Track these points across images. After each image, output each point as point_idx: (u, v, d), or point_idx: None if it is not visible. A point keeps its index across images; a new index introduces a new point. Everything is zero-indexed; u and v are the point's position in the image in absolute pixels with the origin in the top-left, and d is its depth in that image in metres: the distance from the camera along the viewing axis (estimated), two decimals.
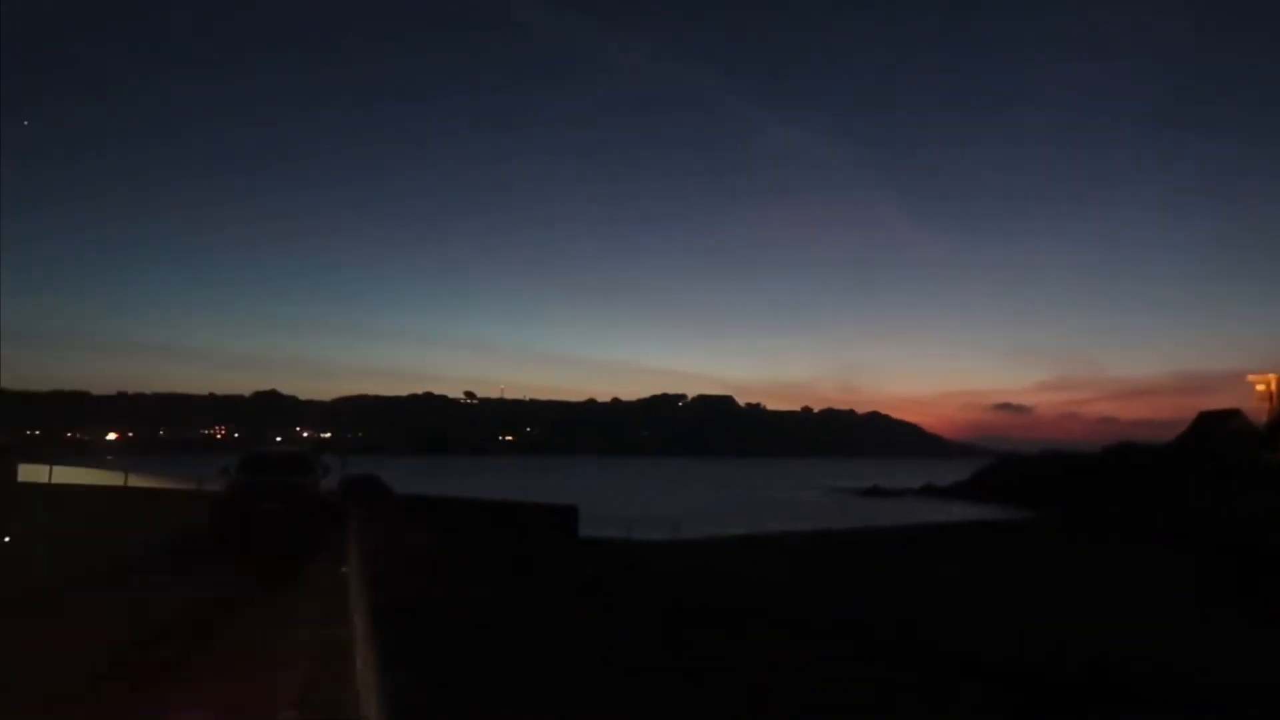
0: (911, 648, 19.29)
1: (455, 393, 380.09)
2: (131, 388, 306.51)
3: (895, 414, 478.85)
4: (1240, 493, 58.03)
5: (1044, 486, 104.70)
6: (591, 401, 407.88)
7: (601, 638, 16.05)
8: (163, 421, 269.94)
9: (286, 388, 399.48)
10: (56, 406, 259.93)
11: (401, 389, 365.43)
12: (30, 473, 35.89)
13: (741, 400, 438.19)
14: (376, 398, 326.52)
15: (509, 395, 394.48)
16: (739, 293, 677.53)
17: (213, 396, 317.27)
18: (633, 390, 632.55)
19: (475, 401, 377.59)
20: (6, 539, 17.13)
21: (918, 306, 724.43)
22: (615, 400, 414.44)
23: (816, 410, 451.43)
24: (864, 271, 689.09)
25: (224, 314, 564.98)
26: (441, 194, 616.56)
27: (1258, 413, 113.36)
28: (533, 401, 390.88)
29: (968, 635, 20.27)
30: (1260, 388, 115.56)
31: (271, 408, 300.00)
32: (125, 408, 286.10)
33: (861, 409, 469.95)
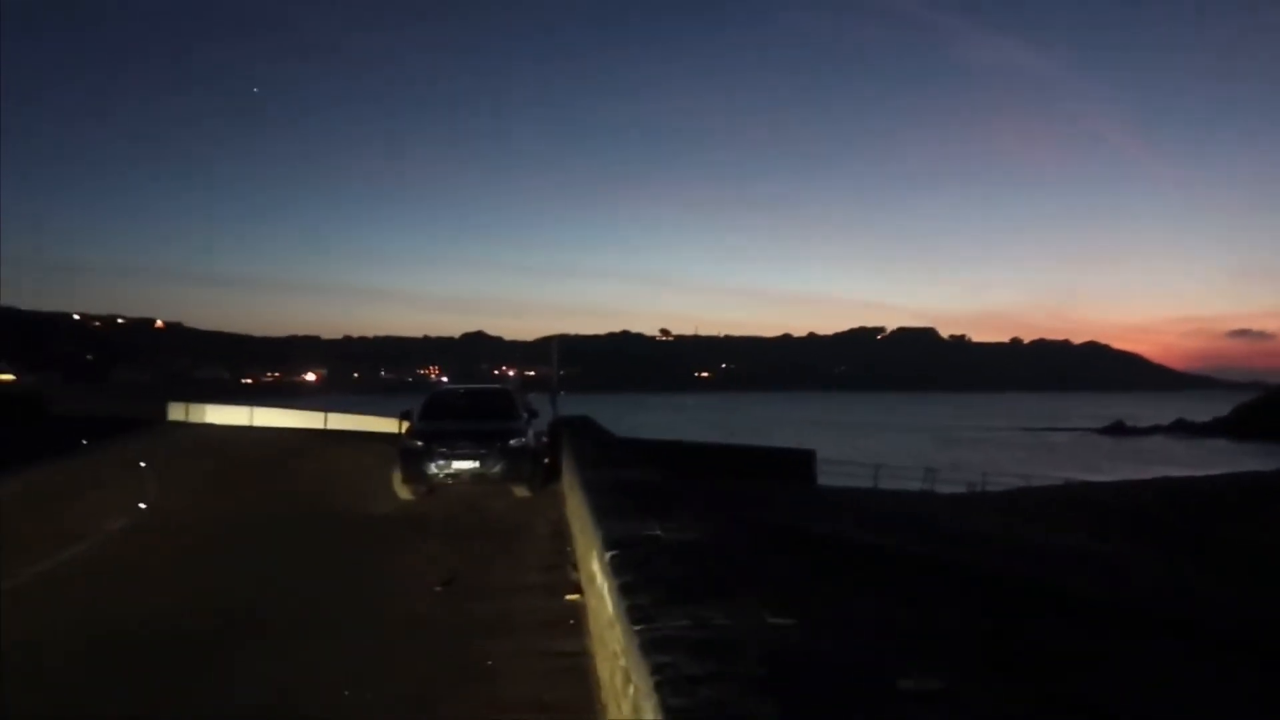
0: None
1: (651, 330, 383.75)
2: (355, 331, 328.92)
3: (1115, 344, 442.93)
4: None
5: None
6: (786, 336, 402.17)
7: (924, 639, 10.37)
8: (383, 362, 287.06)
9: (492, 328, 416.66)
10: (294, 349, 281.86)
11: (600, 328, 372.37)
12: (221, 414, 34.28)
13: (944, 332, 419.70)
14: (576, 336, 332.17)
15: (704, 332, 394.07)
16: (942, 218, 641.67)
17: (426, 338, 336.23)
18: (829, 324, 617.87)
19: (671, 338, 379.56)
20: (142, 505, 13.45)
21: (1140, 226, 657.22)
22: (811, 334, 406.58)
23: (1027, 341, 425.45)
24: (1079, 189, 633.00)
25: (436, 260, 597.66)
26: (635, 135, 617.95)
27: None
28: (727, 338, 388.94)
29: None
30: None
31: (478, 347, 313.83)
32: (350, 350, 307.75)
33: (1077, 339, 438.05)
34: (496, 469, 13.37)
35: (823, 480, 34.03)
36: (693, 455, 28.64)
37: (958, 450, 79.89)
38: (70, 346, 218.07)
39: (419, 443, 13.48)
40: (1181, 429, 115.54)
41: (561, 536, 10.08)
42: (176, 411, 35.62)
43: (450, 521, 11.63)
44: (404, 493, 13.55)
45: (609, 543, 4.91)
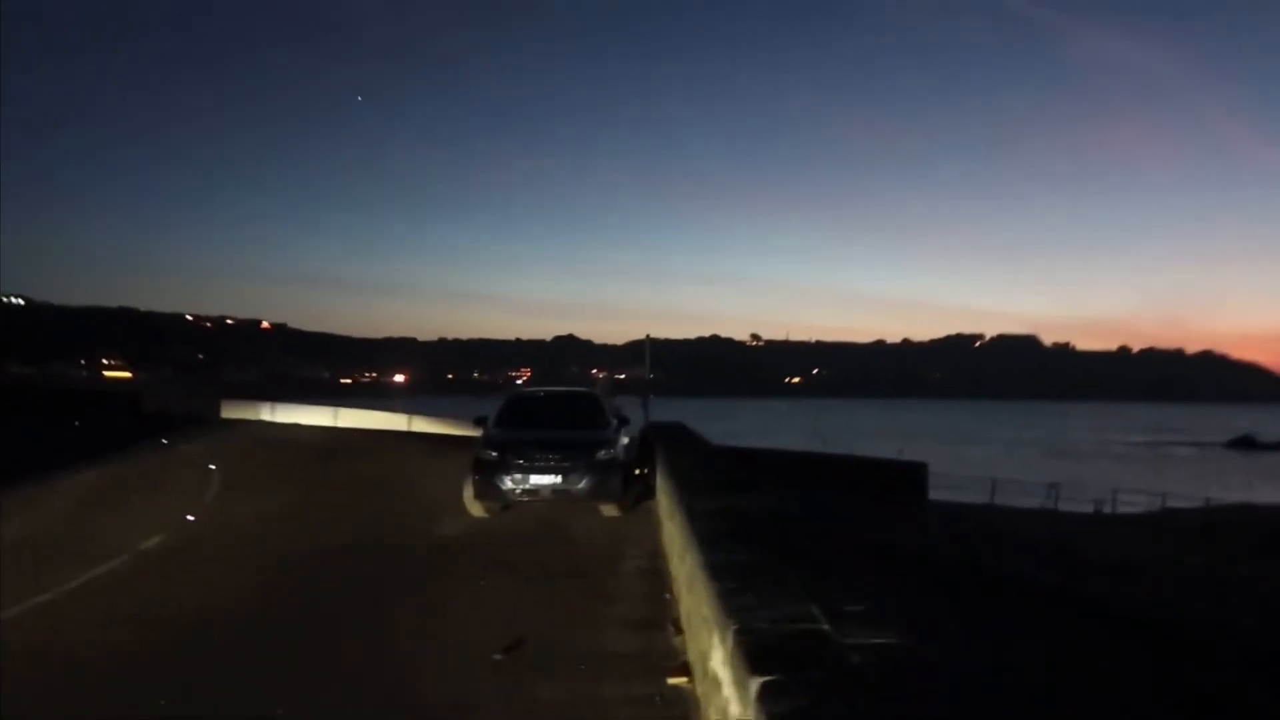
0: None
1: (741, 335, 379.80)
2: (450, 333, 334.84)
3: (1234, 353, 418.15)
4: None
5: None
6: (880, 343, 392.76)
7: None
8: (475, 364, 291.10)
9: (582, 332, 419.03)
10: (391, 350, 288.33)
11: (689, 332, 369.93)
12: (306, 415, 33.57)
13: (1047, 340, 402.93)
14: (665, 340, 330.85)
15: (794, 337, 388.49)
16: (1045, 221, 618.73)
17: (518, 341, 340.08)
18: (925, 330, 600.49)
19: (761, 344, 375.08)
20: (190, 517, 12.09)
21: (1262, 227, 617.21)
22: (905, 341, 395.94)
23: (1136, 350, 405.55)
24: (1193, 190, 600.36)
25: (528, 263, 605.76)
26: (725, 136, 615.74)
27: None
28: (819, 343, 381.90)
29: None
30: None
31: (569, 350, 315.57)
32: (445, 351, 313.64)
33: (1191, 348, 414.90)
34: (581, 485, 11.54)
35: (933, 495, 31.34)
36: (793, 466, 26.36)
37: (1071, 463, 75.03)
38: (183, 346, 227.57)
39: (493, 453, 11.73)
40: None
41: (658, 575, 8.17)
42: (261, 411, 35.16)
43: (524, 549, 9.83)
44: (476, 510, 11.85)
45: (754, 650, 2.96)
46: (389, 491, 15.30)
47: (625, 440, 13.95)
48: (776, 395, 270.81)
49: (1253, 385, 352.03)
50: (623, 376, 35.06)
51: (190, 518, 12.01)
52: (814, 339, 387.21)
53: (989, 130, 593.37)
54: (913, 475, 30.90)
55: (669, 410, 27.27)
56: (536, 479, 11.50)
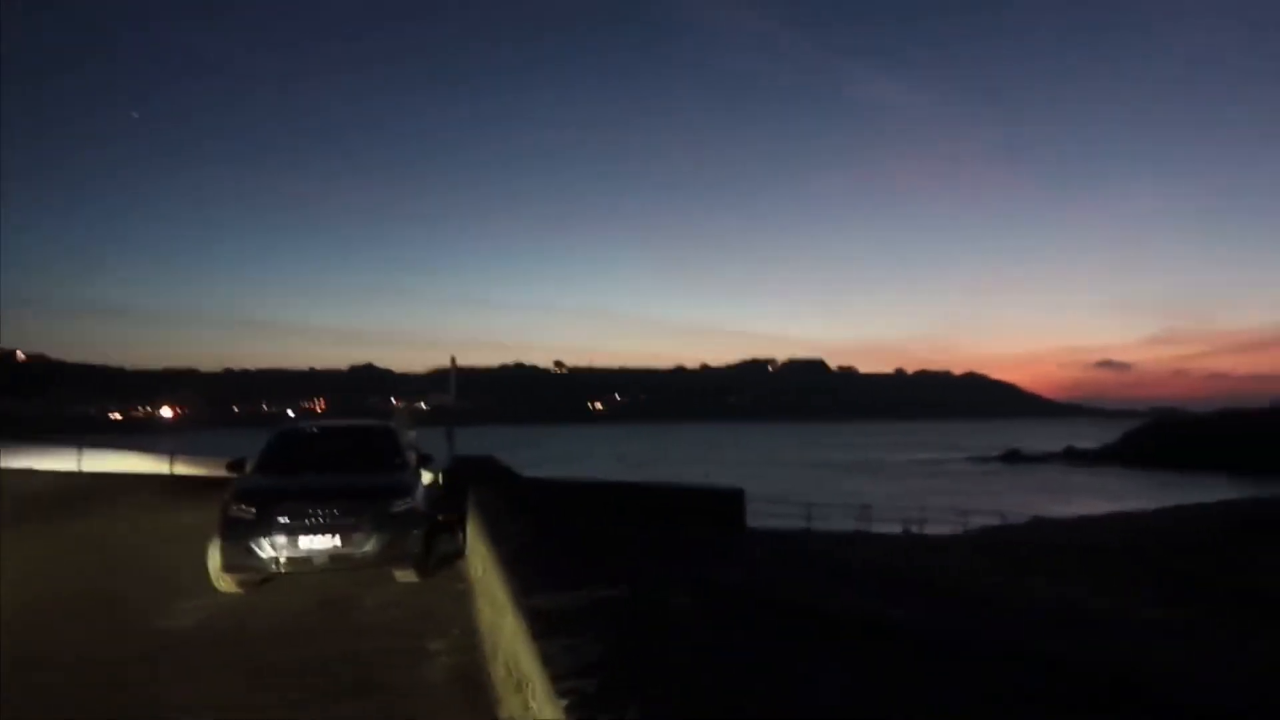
0: None
1: (545, 362, 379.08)
2: (237, 364, 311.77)
3: (993, 374, 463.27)
4: None
5: (1225, 452, 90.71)
6: (680, 368, 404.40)
7: None
8: (265, 395, 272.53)
9: (382, 361, 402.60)
10: (169, 383, 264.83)
11: (493, 359, 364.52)
12: (44, 460, 28.24)
13: (833, 363, 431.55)
14: (468, 368, 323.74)
15: (598, 364, 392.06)
16: (829, 250, 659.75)
17: (312, 371, 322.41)
18: (722, 355, 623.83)
19: (565, 370, 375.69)
20: None
21: (1016, 260, 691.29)
22: (704, 366, 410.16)
23: (910, 372, 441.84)
24: (957, 225, 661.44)
25: (322, 290, 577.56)
26: (527, 164, 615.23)
27: None
28: (622, 370, 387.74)
29: None
30: None
31: (368, 380, 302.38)
32: (231, 383, 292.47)
33: (958, 369, 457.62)
34: (369, 547, 8.84)
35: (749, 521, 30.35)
36: (612, 496, 24.46)
37: (868, 483, 77.92)
38: None
39: (250, 509, 8.81)
40: (1074, 456, 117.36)
41: (477, 685, 5.76)
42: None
43: (286, 645, 7.07)
44: (225, 584, 8.85)
45: None
46: (113, 560, 11.85)
47: (427, 480, 11.40)
48: (581, 421, 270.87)
49: (1009, 402, 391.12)
50: (426, 406, 32.01)
51: None
52: (617, 365, 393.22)
53: (778, 165, 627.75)
54: (731, 502, 29.78)
55: (474, 439, 24.82)
56: (308, 542, 8.70)
